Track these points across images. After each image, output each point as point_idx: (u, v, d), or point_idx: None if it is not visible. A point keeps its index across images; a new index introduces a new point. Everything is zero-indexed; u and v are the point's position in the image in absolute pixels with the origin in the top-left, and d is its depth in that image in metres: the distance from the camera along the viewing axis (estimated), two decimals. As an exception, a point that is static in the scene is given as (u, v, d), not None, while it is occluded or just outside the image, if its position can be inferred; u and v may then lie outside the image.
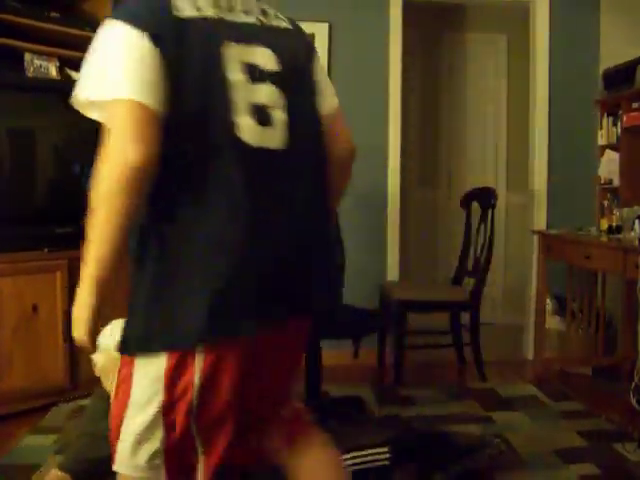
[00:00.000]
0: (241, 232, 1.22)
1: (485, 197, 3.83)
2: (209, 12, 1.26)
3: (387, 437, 2.39)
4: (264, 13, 1.39)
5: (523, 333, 4.37)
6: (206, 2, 1.28)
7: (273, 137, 1.29)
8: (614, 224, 3.55)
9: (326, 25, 4.05)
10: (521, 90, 4.72)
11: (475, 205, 3.93)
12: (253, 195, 1.23)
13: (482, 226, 3.79)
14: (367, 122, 4.13)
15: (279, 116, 1.30)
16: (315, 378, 2.89)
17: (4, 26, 3.04)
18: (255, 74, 1.28)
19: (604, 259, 3.29)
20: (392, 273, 4.14)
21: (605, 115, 4.12)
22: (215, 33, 1.25)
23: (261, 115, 1.27)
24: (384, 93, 4.13)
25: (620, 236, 3.37)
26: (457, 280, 3.94)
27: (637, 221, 3.27)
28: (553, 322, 4.03)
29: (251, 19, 1.34)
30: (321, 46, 4.04)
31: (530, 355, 4.18)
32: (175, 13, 1.21)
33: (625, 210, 3.50)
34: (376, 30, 4.12)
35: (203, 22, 1.24)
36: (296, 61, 1.39)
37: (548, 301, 4.01)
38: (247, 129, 1.24)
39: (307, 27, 3.95)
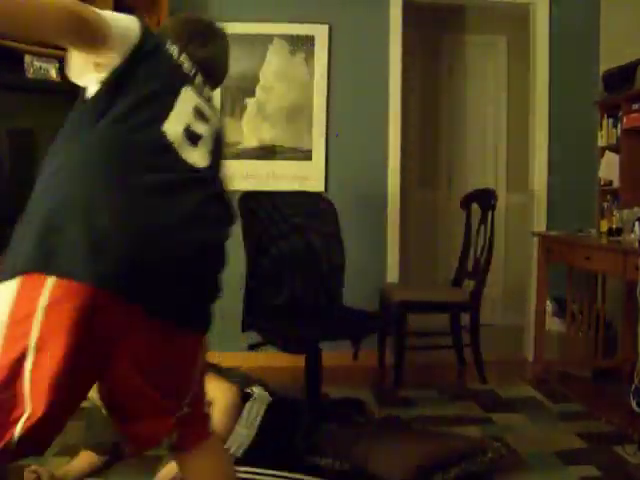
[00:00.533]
0: (127, 202, 1.31)
1: (485, 198, 3.82)
2: (191, 70, 1.56)
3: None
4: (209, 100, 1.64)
5: (523, 334, 4.37)
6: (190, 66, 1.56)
7: (192, 155, 1.46)
8: (614, 226, 3.54)
9: (326, 26, 4.05)
10: (521, 91, 4.72)
11: (475, 206, 3.93)
12: (156, 180, 1.36)
13: (482, 227, 3.79)
14: (367, 122, 4.13)
15: (203, 149, 1.50)
16: (315, 379, 2.89)
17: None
18: (200, 114, 1.52)
19: (604, 261, 3.28)
20: (392, 274, 4.13)
21: (605, 116, 4.11)
22: (185, 73, 1.53)
23: (191, 136, 1.47)
24: (384, 93, 4.13)
25: (620, 238, 3.36)
26: (457, 281, 3.94)
27: (637, 223, 3.26)
28: (553, 324, 4.02)
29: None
30: (321, 47, 4.04)
31: (530, 357, 4.18)
32: (162, 44, 1.52)
33: (625, 212, 3.49)
34: (376, 30, 4.12)
35: (180, 63, 1.53)
36: (220, 140, 1.62)
37: (548, 303, 4.01)
38: (173, 133, 1.42)
39: (307, 28, 4.03)
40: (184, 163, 1.44)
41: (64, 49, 1.38)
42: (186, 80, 1.52)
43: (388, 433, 2.71)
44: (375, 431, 2.72)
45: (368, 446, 2.44)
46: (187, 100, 1.49)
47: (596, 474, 2.47)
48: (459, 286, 3.91)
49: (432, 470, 2.32)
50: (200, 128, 1.51)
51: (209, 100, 1.61)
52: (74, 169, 1.34)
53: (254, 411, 2.43)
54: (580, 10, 4.25)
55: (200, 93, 1.55)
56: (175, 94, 1.47)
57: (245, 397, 2.47)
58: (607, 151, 4.07)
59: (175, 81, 1.50)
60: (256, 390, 2.51)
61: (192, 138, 1.47)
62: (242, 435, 2.36)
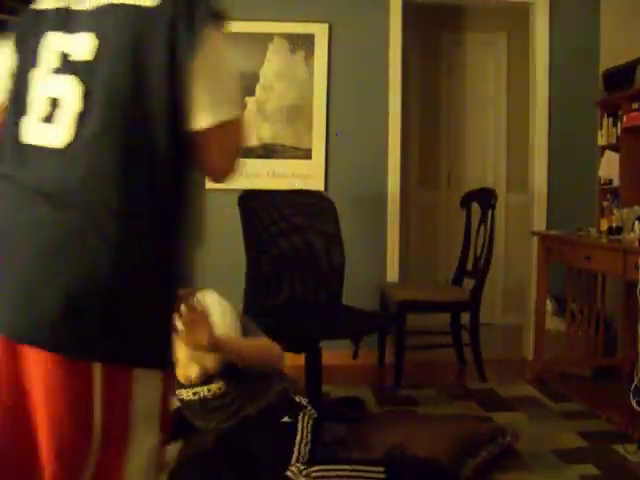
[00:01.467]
0: None
1: (485, 197, 3.83)
2: (61, 3, 1.20)
3: (381, 458, 2.37)
4: None
5: (523, 333, 4.37)
6: None
7: (53, 134, 1.14)
8: (614, 225, 3.54)
9: (326, 25, 4.05)
10: (521, 90, 4.72)
11: (475, 205, 3.93)
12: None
13: (482, 226, 3.79)
14: (367, 122, 4.13)
15: (67, 112, 1.14)
16: (315, 379, 2.89)
17: (3, 26, 3.04)
18: (61, 65, 1.16)
19: (604, 260, 3.28)
20: (392, 273, 4.13)
21: (605, 115, 4.11)
22: (45, 24, 1.19)
23: (49, 110, 1.15)
24: (384, 93, 4.13)
25: (620, 237, 3.36)
26: (457, 280, 3.94)
27: (637, 222, 3.26)
28: (553, 323, 4.02)
29: (94, 3, 1.19)
30: (321, 46, 4.04)
31: (530, 356, 4.17)
32: (34, 6, 1.23)
33: (625, 211, 3.49)
34: (376, 30, 4.11)
35: (52, 13, 1.19)
36: (133, 50, 1.15)
37: (548, 302, 4.01)
38: (30, 128, 1.17)
39: (307, 27, 4.03)
40: (39, 160, 1.15)
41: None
42: (45, 26, 1.18)
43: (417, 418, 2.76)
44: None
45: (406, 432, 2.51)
46: (47, 57, 1.16)
47: (596, 473, 2.46)
48: (459, 285, 3.91)
49: (464, 455, 2.38)
50: (58, 87, 1.15)
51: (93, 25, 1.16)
52: None
53: (308, 427, 2.38)
54: (580, 10, 4.25)
55: (65, 26, 1.17)
56: (32, 65, 1.18)
57: (293, 405, 2.43)
58: (607, 150, 4.07)
59: (34, 45, 1.18)
60: (303, 401, 2.47)
61: (49, 114, 1.15)
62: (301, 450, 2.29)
